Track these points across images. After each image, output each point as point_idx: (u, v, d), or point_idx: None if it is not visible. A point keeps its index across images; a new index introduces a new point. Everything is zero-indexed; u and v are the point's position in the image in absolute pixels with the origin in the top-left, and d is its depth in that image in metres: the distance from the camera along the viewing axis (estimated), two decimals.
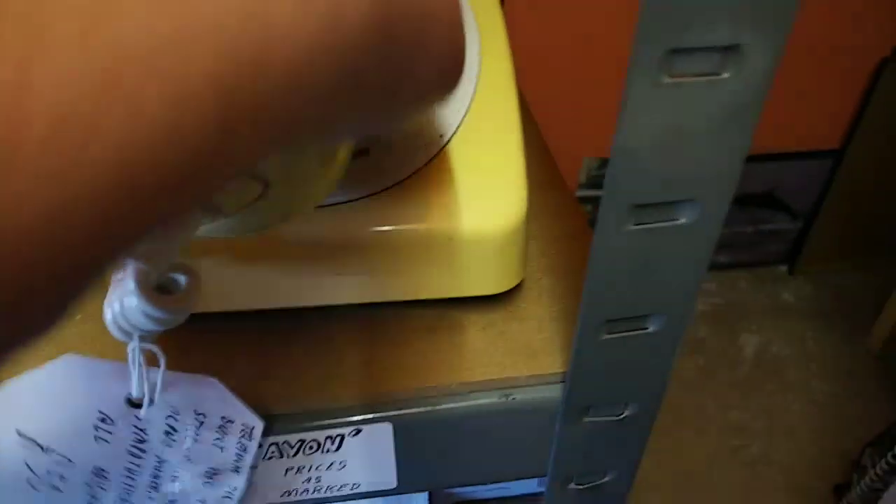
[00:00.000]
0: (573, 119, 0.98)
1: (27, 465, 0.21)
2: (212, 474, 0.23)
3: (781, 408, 1.14)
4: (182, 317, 0.18)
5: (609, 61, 0.86)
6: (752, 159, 1.02)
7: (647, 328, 0.23)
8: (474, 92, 0.26)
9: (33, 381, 0.21)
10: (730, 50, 0.17)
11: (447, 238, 0.25)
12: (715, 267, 1.31)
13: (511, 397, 0.25)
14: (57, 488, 0.21)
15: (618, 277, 0.21)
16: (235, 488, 0.23)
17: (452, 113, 0.26)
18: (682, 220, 0.21)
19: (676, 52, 0.17)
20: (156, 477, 0.22)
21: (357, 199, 0.25)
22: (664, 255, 0.21)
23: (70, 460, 0.21)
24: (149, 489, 0.22)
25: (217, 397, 0.22)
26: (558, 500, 0.29)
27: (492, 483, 0.29)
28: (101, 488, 0.22)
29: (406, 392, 0.25)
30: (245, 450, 0.23)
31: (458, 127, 0.26)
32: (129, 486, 0.22)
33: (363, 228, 0.25)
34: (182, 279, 0.18)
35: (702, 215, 0.21)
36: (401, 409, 0.25)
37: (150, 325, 0.18)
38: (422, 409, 0.25)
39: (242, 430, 0.22)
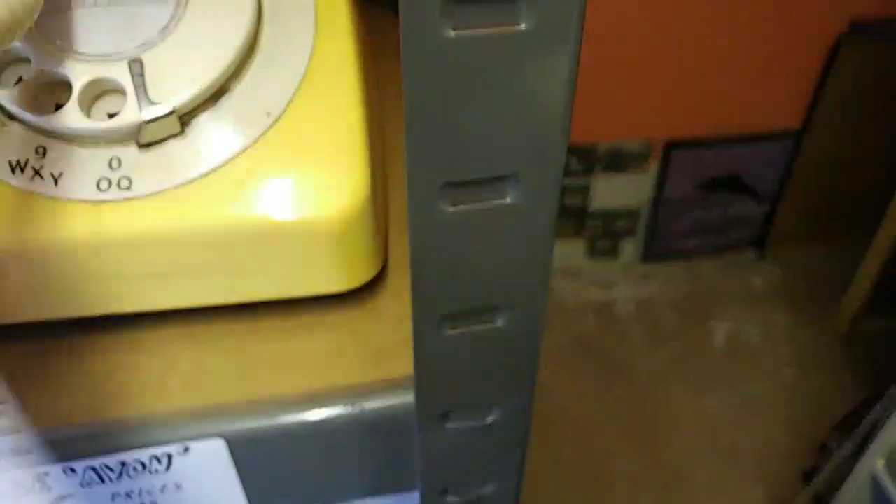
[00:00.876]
0: None
1: None
2: None
3: (752, 394, 1.12)
4: None
5: None
6: (714, 143, 1.01)
7: (494, 322, 0.21)
8: (307, 67, 0.23)
9: None
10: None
11: (275, 229, 0.22)
12: (683, 254, 1.29)
13: (359, 406, 0.23)
14: None
15: (441, 266, 0.19)
16: None
17: (281, 87, 0.23)
18: (509, 200, 0.18)
19: None
20: None
21: (173, 188, 0.22)
22: (491, 240, 0.19)
23: None
24: None
25: None
26: None
27: (355, 500, 0.27)
28: None
29: (238, 405, 0.22)
30: None
31: (288, 104, 0.23)
32: None
33: (182, 221, 0.22)
34: None
35: (529, 193, 0.18)
36: (233, 423, 0.22)
37: None
38: (257, 424, 0.22)
39: None
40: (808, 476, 0.94)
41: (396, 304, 0.25)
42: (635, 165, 1.13)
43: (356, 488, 0.26)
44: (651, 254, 1.24)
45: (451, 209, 0.18)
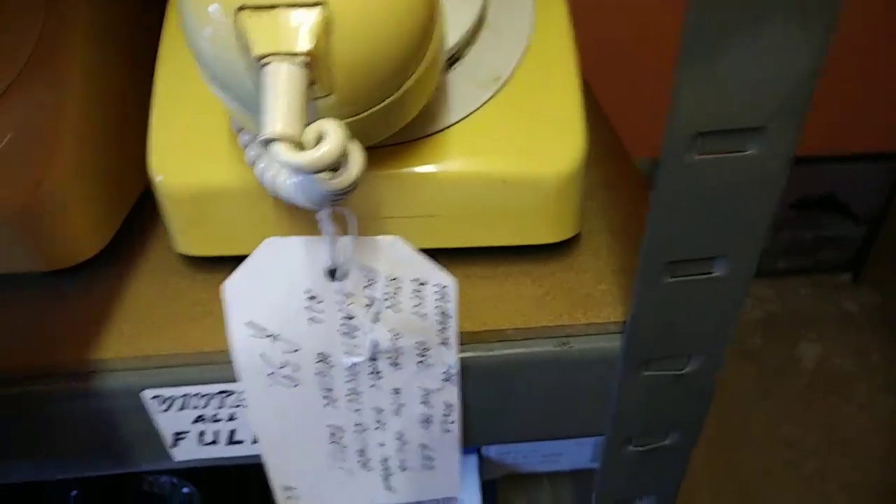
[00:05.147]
0: (624, 116, 0.97)
1: (263, 357, 0.22)
2: (423, 351, 0.23)
3: (840, 423, 1.09)
4: (345, 178, 0.18)
5: (664, 55, 0.85)
6: (813, 161, 0.99)
7: (711, 272, 0.23)
8: (530, 36, 0.26)
9: (247, 271, 0.21)
10: None
11: (501, 181, 0.24)
12: (773, 273, 1.27)
13: (568, 345, 0.25)
14: (293, 381, 0.23)
15: (682, 212, 0.21)
16: (450, 366, 0.23)
17: (507, 55, 0.26)
18: (750, 152, 0.20)
19: None
20: (374, 359, 0.23)
21: (409, 141, 0.25)
22: (730, 189, 0.20)
23: (297, 347, 0.22)
24: (371, 376, 0.23)
25: (405, 258, 0.22)
26: (615, 462, 0.28)
27: (548, 439, 0.28)
28: (330, 378, 0.23)
29: (463, 335, 0.25)
30: (446, 315, 0.22)
31: (514, 71, 0.25)
32: (352, 375, 0.23)
33: (414, 170, 0.24)
34: (328, 132, 0.17)
35: (769, 146, 0.20)
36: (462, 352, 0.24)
37: (326, 196, 0.18)
38: (476, 354, 0.25)
39: (437, 293, 0.22)
40: None
41: (593, 260, 0.27)
42: None
43: (545, 428, 0.28)
44: None
45: (699, 158, 0.20)
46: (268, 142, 0.17)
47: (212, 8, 0.18)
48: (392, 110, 0.21)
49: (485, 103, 0.25)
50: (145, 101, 0.25)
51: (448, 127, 0.25)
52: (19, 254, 0.25)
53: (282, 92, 0.17)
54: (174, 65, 0.26)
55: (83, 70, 0.26)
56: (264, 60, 0.17)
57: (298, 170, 0.17)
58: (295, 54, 0.17)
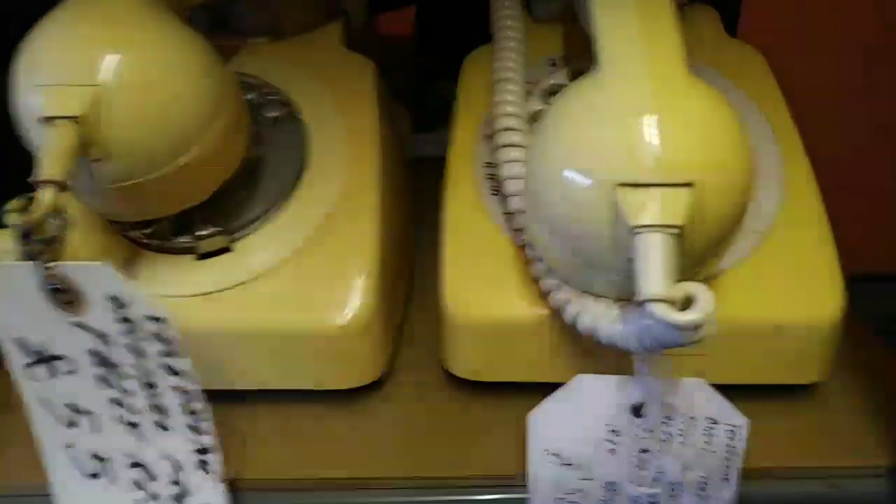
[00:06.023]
0: None
1: (557, 483, 0.24)
2: (703, 486, 0.24)
3: None
4: (701, 332, 0.19)
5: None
6: None
7: None
8: (782, 191, 0.28)
9: (552, 404, 0.24)
10: None
11: (770, 326, 0.26)
12: None
13: (837, 487, 0.26)
14: None
15: None
16: (726, 501, 0.25)
17: (764, 210, 0.28)
18: None
19: None
20: (654, 493, 0.24)
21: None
22: None
23: (590, 475, 0.24)
24: None
25: (702, 397, 0.23)
26: None
27: None
28: None
29: None
30: (733, 452, 0.24)
31: (772, 225, 0.28)
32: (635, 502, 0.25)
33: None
34: (699, 295, 0.19)
35: None
36: None
37: (664, 346, 0.20)
38: (747, 490, 0.26)
39: (729, 432, 0.24)
40: None
41: (844, 401, 0.29)
42: None
43: None
44: None
45: None
46: (646, 301, 0.19)
47: (591, 181, 0.21)
48: (705, 261, 0.23)
49: (749, 253, 0.27)
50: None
51: (716, 276, 0.27)
52: (326, 371, 0.27)
53: (660, 259, 0.19)
54: (460, 208, 0.29)
55: (380, 217, 0.29)
56: (640, 230, 0.20)
57: (671, 326, 0.19)
58: (671, 227, 0.20)
